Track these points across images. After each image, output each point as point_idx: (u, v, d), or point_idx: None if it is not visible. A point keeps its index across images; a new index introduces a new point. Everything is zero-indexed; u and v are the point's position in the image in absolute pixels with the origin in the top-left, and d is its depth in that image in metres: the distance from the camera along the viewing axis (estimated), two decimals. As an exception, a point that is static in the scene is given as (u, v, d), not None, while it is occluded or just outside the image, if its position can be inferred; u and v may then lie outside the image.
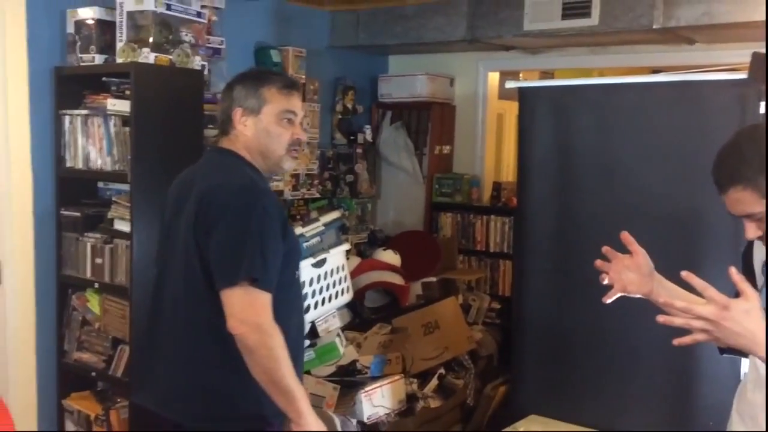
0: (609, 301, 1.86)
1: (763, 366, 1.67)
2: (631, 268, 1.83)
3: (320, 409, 2.99)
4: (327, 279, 3.23)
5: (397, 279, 3.94)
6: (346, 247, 3.40)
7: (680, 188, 2.99)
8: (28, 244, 3.16)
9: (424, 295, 4.12)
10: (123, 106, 2.98)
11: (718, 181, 1.58)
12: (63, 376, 3.30)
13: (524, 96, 3.41)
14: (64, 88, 3.19)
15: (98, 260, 3.13)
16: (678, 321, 1.43)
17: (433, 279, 4.18)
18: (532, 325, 3.39)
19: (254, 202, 1.91)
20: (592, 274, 1.89)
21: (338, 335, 3.28)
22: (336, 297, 3.29)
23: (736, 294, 1.41)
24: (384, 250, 4.15)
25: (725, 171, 1.56)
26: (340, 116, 4.68)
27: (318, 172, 4.44)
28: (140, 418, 2.85)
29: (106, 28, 3.12)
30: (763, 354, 1.41)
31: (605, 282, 1.86)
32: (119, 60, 3.06)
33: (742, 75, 2.84)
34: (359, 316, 3.75)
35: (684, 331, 1.44)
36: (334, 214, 3.41)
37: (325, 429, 1.96)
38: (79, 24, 3.16)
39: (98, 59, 3.12)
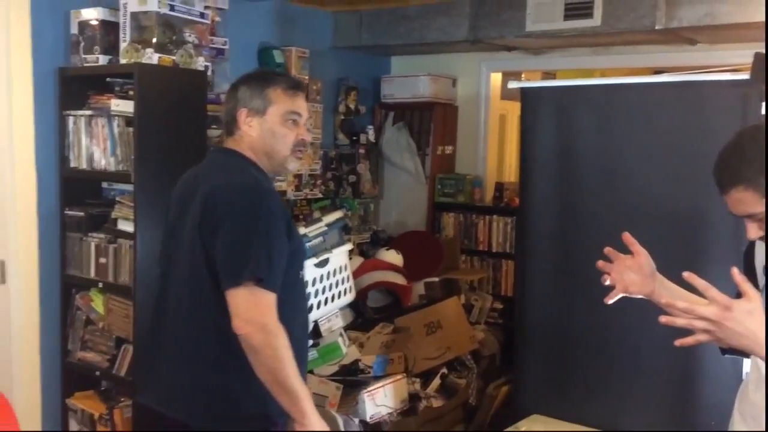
0: (611, 301, 1.86)
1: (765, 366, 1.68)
2: (632, 269, 1.83)
3: (323, 409, 3.00)
4: (330, 279, 3.24)
5: (399, 279, 3.95)
6: (348, 247, 3.41)
7: (682, 188, 2.99)
8: (32, 243, 3.17)
9: (426, 295, 4.12)
10: (126, 106, 2.99)
11: (720, 181, 1.58)
12: (67, 376, 3.31)
13: (526, 96, 3.41)
14: (68, 88, 3.19)
15: (102, 260, 3.14)
16: (680, 321, 1.43)
17: (436, 279, 4.19)
18: (534, 325, 3.40)
19: (260, 203, 1.92)
20: (594, 274, 1.90)
21: (341, 335, 3.29)
22: (339, 297, 3.30)
23: (738, 294, 1.41)
24: (386, 250, 4.16)
25: (727, 171, 1.57)
26: (342, 117, 4.68)
27: (321, 173, 4.44)
28: (144, 418, 2.86)
29: (110, 28, 3.13)
30: (765, 354, 1.42)
31: (607, 283, 1.87)
32: (123, 61, 3.07)
33: (744, 75, 2.84)
34: (362, 315, 3.75)
35: (686, 332, 1.44)
36: (337, 214, 3.42)
37: (328, 429, 1.96)
38: (83, 25, 3.17)
39: (102, 60, 3.12)
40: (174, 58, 3.09)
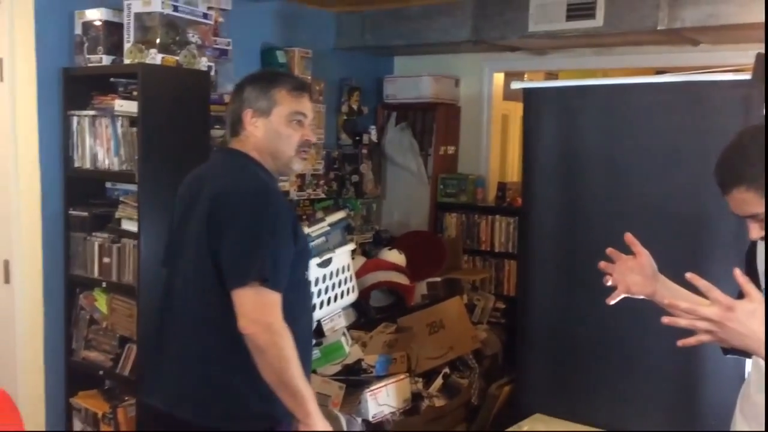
0: (613, 302, 1.87)
1: None
2: (634, 270, 1.84)
3: (326, 408, 3.00)
4: (332, 278, 3.25)
5: (402, 279, 3.95)
6: (351, 247, 3.42)
7: (684, 188, 2.99)
8: (36, 243, 3.18)
9: (429, 295, 4.13)
10: (130, 106, 3.00)
11: (722, 181, 1.58)
12: (71, 375, 3.32)
13: (529, 97, 3.42)
14: (72, 88, 3.20)
15: (106, 260, 3.15)
16: (682, 322, 1.43)
17: (438, 279, 4.19)
18: (536, 325, 3.40)
19: (266, 203, 1.93)
20: (597, 275, 1.90)
21: (344, 334, 3.29)
22: (341, 296, 3.31)
23: (740, 295, 1.41)
24: (389, 249, 4.16)
25: (728, 172, 1.57)
26: (345, 117, 4.69)
27: (323, 173, 4.45)
28: (148, 417, 2.85)
29: (114, 29, 3.14)
30: (766, 354, 1.42)
31: (609, 283, 1.87)
32: (126, 61, 3.08)
33: (746, 76, 2.84)
34: (364, 315, 3.76)
35: (688, 332, 1.44)
36: (340, 214, 3.43)
37: (332, 430, 1.97)
38: (87, 25, 3.18)
39: (106, 60, 3.13)
40: (177, 58, 3.10)
